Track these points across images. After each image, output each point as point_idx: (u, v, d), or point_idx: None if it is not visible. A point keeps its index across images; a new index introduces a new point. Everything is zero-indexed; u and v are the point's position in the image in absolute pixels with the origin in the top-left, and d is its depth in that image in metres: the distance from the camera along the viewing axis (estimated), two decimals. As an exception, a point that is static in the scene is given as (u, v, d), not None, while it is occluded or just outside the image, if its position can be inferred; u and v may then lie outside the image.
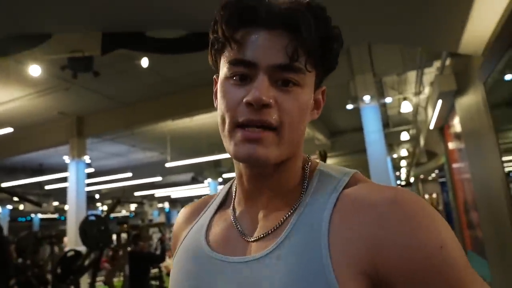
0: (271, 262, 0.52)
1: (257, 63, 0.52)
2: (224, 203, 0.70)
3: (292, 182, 0.60)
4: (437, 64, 4.78)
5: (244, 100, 0.52)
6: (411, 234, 0.47)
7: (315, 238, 0.51)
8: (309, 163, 0.63)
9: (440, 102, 4.57)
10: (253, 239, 0.58)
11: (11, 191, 3.71)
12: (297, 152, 0.60)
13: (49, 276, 5.38)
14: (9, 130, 8.13)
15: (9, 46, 4.18)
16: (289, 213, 0.57)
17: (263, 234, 0.57)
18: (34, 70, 5.37)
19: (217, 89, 0.61)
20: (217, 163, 12.16)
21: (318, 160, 0.66)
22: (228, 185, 0.73)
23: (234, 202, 0.66)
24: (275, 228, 0.57)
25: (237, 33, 0.53)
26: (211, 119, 8.07)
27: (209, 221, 0.67)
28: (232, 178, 0.72)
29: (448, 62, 4.21)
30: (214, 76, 0.64)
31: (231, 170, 6.57)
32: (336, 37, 0.56)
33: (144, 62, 5.26)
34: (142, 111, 7.72)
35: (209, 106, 7.00)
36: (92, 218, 4.91)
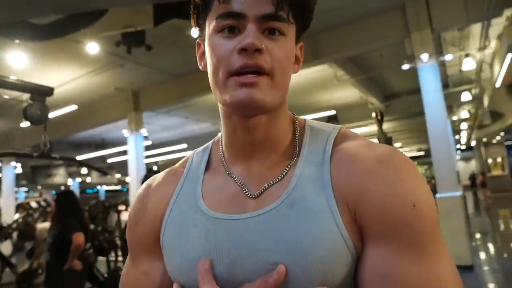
0: (284, 211, 0.56)
1: (245, 14, 0.56)
2: (209, 167, 0.69)
3: (285, 134, 0.64)
4: (507, 12, 4.35)
5: (238, 47, 0.55)
6: (389, 188, 0.52)
7: (319, 188, 0.57)
8: (297, 118, 0.68)
9: (510, 55, 4.19)
10: (257, 193, 0.60)
11: (85, 163, 4.01)
12: (284, 101, 0.63)
13: (117, 241, 5.82)
14: (74, 107, 8.68)
15: (68, 25, 4.39)
16: (289, 166, 0.61)
17: (266, 187, 0.60)
18: (92, 47, 5.61)
19: (201, 51, 0.67)
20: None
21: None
22: (205, 150, 0.72)
23: (224, 163, 0.67)
24: (277, 180, 0.60)
25: None
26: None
27: (201, 187, 0.66)
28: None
29: (520, 9, 3.82)
30: (198, 40, 0.68)
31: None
32: None
33: (195, 32, 5.30)
34: (194, 82, 7.85)
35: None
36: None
